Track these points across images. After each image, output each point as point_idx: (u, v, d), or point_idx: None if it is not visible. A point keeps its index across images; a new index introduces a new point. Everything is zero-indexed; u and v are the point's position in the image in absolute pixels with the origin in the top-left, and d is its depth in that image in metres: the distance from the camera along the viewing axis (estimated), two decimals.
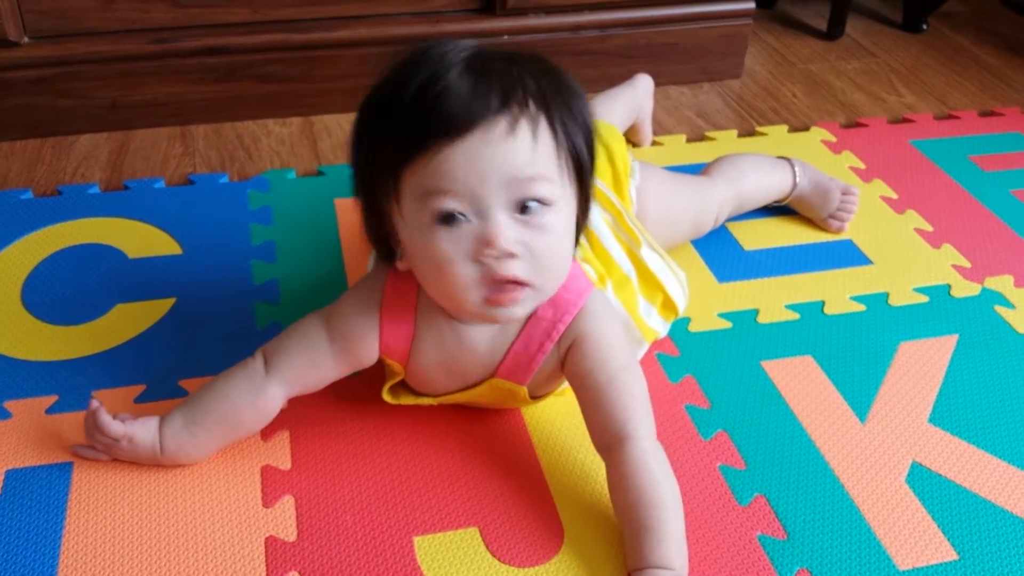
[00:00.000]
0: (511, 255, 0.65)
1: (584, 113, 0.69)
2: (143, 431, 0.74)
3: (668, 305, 0.87)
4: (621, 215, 0.86)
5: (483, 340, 0.74)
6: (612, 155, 0.90)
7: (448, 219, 0.65)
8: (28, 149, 1.20)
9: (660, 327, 0.87)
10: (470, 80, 0.64)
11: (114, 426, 0.74)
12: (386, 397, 0.79)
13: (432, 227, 0.66)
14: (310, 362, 0.75)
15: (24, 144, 1.21)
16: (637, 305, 0.84)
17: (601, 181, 0.87)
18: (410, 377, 0.78)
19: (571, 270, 0.73)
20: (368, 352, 0.75)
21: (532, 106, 0.65)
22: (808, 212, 1.08)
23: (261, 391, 0.74)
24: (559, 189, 0.66)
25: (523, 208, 0.65)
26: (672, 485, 0.70)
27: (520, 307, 0.69)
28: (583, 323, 0.73)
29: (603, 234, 0.84)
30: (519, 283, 0.67)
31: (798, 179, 1.06)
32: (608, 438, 0.71)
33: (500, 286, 0.66)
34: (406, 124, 0.65)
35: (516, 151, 0.64)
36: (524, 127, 0.64)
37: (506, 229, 0.65)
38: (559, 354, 0.74)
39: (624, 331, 0.77)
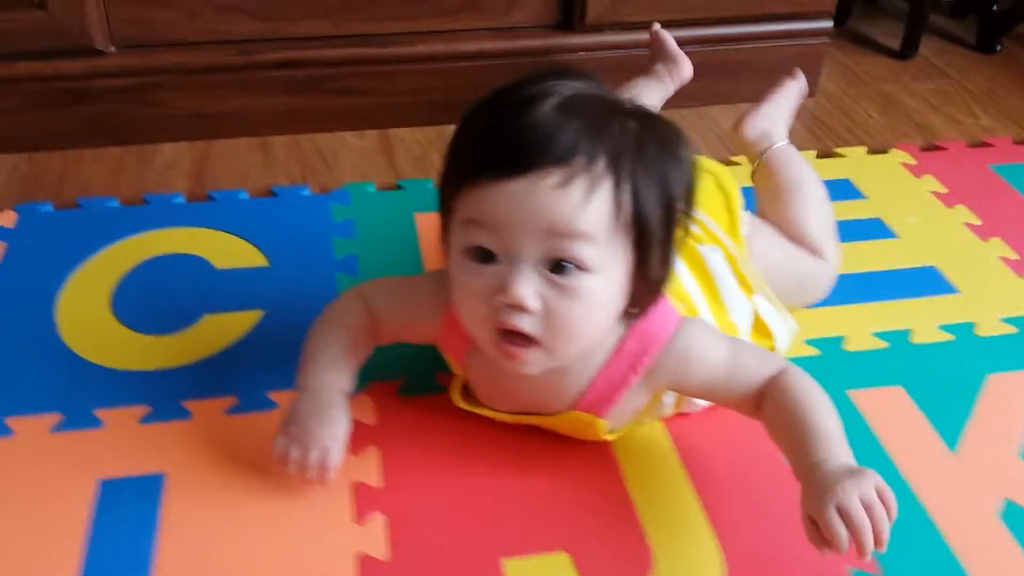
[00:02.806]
0: (523, 309, 0.64)
1: (670, 178, 0.66)
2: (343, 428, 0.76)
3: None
4: (735, 260, 0.85)
5: (541, 372, 0.72)
6: (728, 198, 0.90)
7: (479, 254, 0.65)
8: (111, 157, 1.22)
9: None
10: (548, 122, 0.63)
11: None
12: (455, 399, 0.80)
13: (465, 256, 0.66)
14: (393, 305, 0.80)
15: (106, 151, 1.24)
16: None
17: (716, 224, 0.87)
18: (473, 384, 0.79)
19: (659, 305, 0.72)
20: (428, 338, 0.79)
21: (600, 165, 0.63)
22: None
23: (365, 313, 0.80)
24: (604, 255, 0.64)
25: (557, 266, 0.64)
26: (825, 397, 0.71)
27: (528, 367, 0.68)
28: (676, 351, 0.72)
29: (721, 276, 0.83)
30: (526, 337, 0.66)
31: (785, 142, 1.03)
32: (755, 400, 0.73)
33: (507, 336, 0.66)
34: (474, 151, 0.65)
35: (562, 205, 0.62)
36: (579, 184, 0.62)
37: (525, 282, 0.64)
38: (650, 388, 0.74)
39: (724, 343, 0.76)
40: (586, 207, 0.62)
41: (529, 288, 0.64)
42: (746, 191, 0.94)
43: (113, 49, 1.20)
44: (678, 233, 0.68)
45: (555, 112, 0.63)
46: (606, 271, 0.65)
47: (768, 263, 0.90)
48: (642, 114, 0.67)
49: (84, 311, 0.94)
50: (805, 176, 1.00)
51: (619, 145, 0.64)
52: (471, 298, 0.67)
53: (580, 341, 0.68)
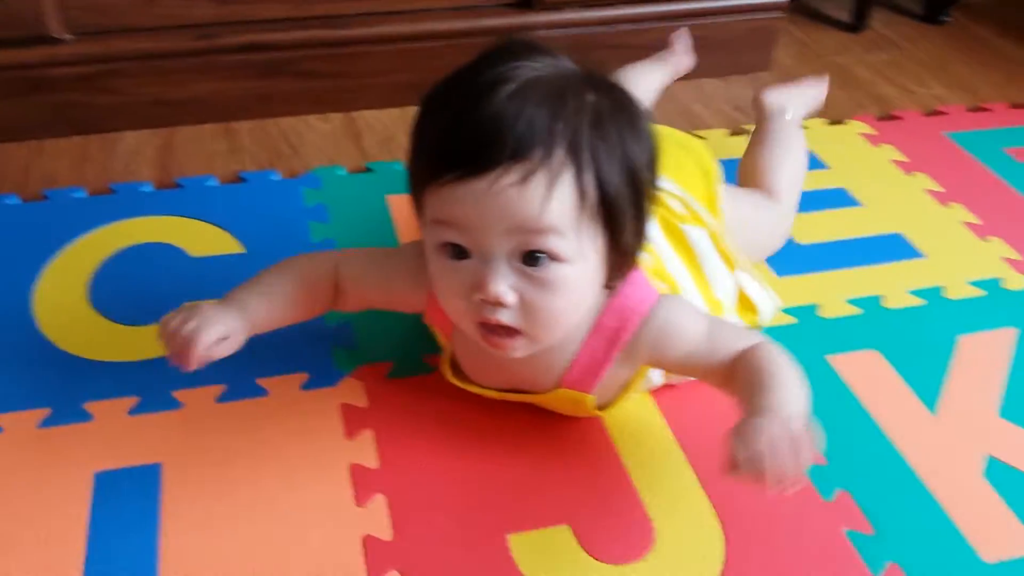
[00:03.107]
0: (501, 304, 0.65)
1: (632, 151, 0.65)
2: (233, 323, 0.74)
3: (754, 325, 0.88)
4: (717, 237, 0.87)
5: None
6: (708, 175, 0.92)
7: (452, 251, 0.66)
8: (74, 146, 1.20)
9: None
10: (503, 116, 0.61)
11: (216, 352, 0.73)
12: (445, 373, 0.81)
13: (439, 253, 0.67)
14: (370, 278, 0.80)
15: (68, 141, 1.21)
16: None
17: (697, 201, 0.88)
18: (460, 359, 0.80)
19: (634, 278, 0.73)
20: (412, 307, 0.80)
21: (559, 155, 0.62)
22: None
23: (324, 267, 0.80)
24: (573, 244, 0.64)
25: (528, 259, 0.64)
26: (794, 367, 0.70)
27: (515, 352, 0.70)
28: (655, 326, 0.73)
29: (705, 254, 0.85)
30: (508, 328, 0.67)
31: (790, 115, 1.09)
32: (730, 373, 0.73)
33: (490, 328, 0.67)
34: (433, 150, 0.65)
35: (525, 203, 0.62)
36: (539, 179, 0.61)
37: (500, 278, 0.64)
38: (631, 363, 0.76)
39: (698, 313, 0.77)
40: (549, 201, 0.62)
41: (503, 284, 0.64)
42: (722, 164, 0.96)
43: (70, 36, 1.17)
44: (647, 202, 0.68)
45: (510, 101, 0.62)
46: (579, 258, 0.65)
47: (739, 223, 0.92)
48: (598, 85, 0.66)
49: (62, 304, 0.92)
50: (795, 134, 1.06)
51: (577, 128, 0.63)
52: (449, 294, 0.68)
53: (561, 327, 0.70)
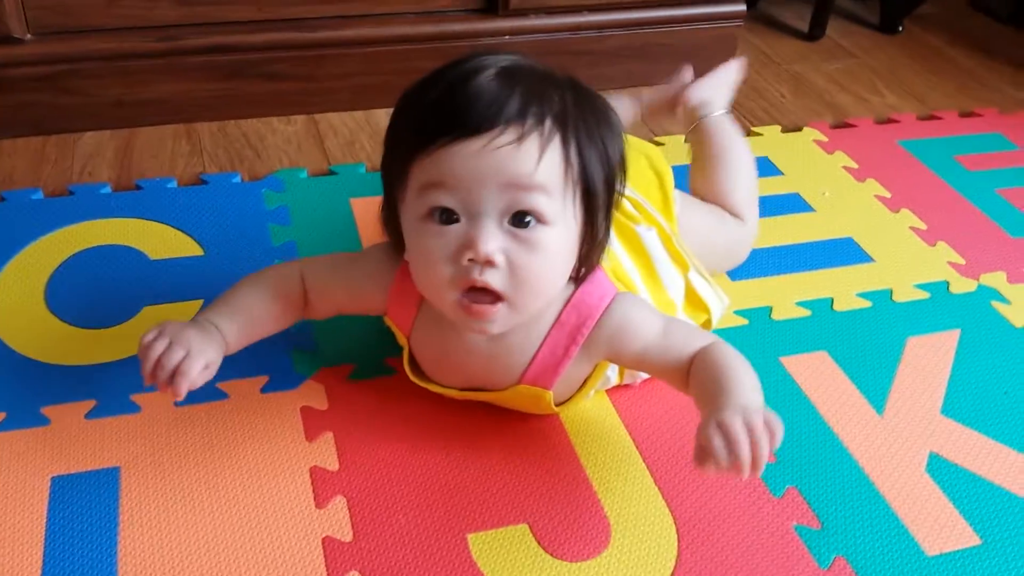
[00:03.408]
0: (490, 263, 0.67)
1: (607, 143, 0.70)
2: (215, 354, 0.74)
3: (706, 325, 0.90)
4: (670, 239, 0.89)
5: (485, 346, 0.75)
6: (661, 178, 0.93)
7: (440, 215, 0.67)
8: (31, 147, 1.19)
9: None
10: (494, 87, 0.66)
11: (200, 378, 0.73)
12: (408, 372, 0.81)
13: (425, 221, 0.68)
14: (336, 284, 0.81)
15: (27, 142, 1.20)
16: None
17: (650, 204, 0.90)
18: (419, 359, 0.81)
19: (594, 276, 0.75)
20: (374, 309, 0.81)
21: (548, 123, 0.66)
22: None
23: (292, 278, 0.81)
24: (559, 208, 0.67)
25: (517, 219, 0.67)
26: (748, 367, 0.73)
27: (493, 325, 0.70)
28: (613, 321, 0.75)
29: (656, 255, 0.86)
30: (493, 293, 0.68)
31: (726, 109, 1.09)
32: (685, 373, 0.75)
33: (474, 294, 0.68)
34: (424, 119, 0.67)
35: (519, 161, 0.65)
36: (533, 140, 0.65)
37: (491, 236, 0.66)
38: (590, 359, 0.77)
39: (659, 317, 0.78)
40: (541, 161, 0.65)
41: (494, 243, 0.66)
42: (677, 170, 0.98)
43: (30, 36, 1.16)
44: (615, 200, 0.72)
45: (498, 79, 0.66)
46: (562, 223, 0.68)
47: (697, 235, 0.94)
48: (575, 85, 0.70)
49: (18, 308, 0.92)
50: (736, 143, 1.05)
51: (562, 107, 0.67)
52: (435, 261, 0.68)
53: (542, 294, 0.71)
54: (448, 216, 0.67)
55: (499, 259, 0.67)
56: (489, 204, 0.66)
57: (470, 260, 0.67)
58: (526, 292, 0.69)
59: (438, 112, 0.66)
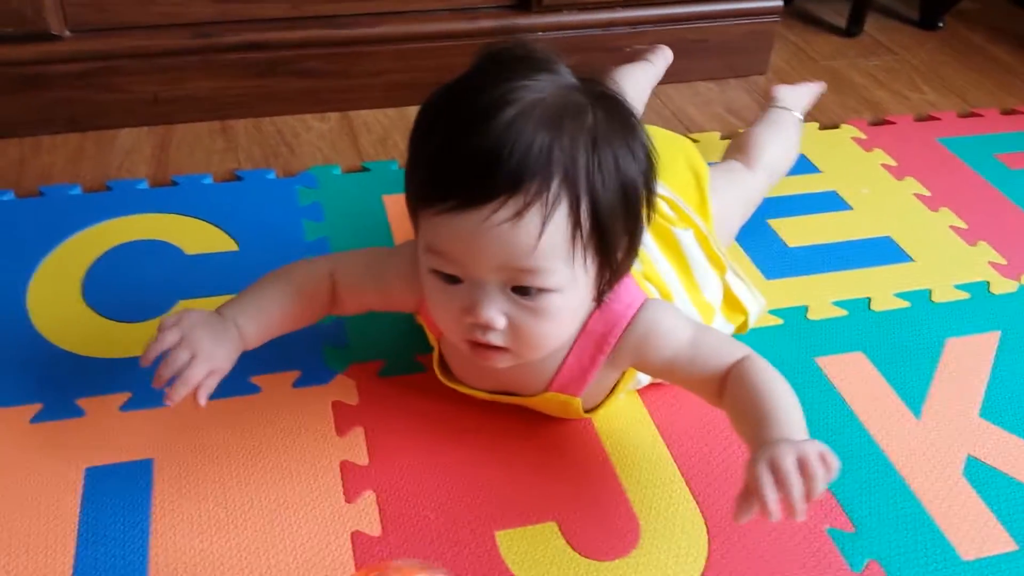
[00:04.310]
0: (492, 328, 0.66)
1: (631, 172, 0.65)
2: (224, 359, 0.74)
3: (743, 327, 0.90)
4: (706, 239, 0.88)
5: None
6: (699, 178, 0.93)
7: (444, 277, 0.67)
8: (70, 143, 1.21)
9: None
10: (499, 143, 0.60)
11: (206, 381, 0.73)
12: (437, 373, 0.81)
13: (432, 276, 0.68)
14: (367, 283, 0.80)
15: (65, 138, 1.21)
16: (712, 325, 0.86)
17: (687, 204, 0.89)
18: (448, 360, 0.81)
19: (624, 284, 0.73)
20: (407, 307, 0.81)
21: (555, 187, 0.61)
22: None
23: (320, 276, 0.80)
24: (566, 275, 0.65)
25: (519, 290, 0.65)
26: (787, 386, 0.70)
27: (501, 364, 0.71)
28: (640, 330, 0.73)
29: (694, 257, 0.86)
30: (497, 347, 0.68)
31: (799, 115, 1.15)
32: (717, 387, 0.73)
33: (479, 347, 0.69)
34: (427, 173, 0.64)
35: (518, 240, 0.62)
36: (534, 214, 0.61)
37: (491, 303, 0.65)
38: (617, 367, 0.76)
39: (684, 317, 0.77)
40: (542, 235, 0.62)
41: (495, 310, 0.65)
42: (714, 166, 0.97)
43: (68, 33, 1.18)
44: (642, 216, 0.68)
45: (506, 130, 0.60)
46: (570, 286, 0.66)
47: (720, 212, 0.94)
48: (596, 98, 0.65)
49: (56, 301, 0.93)
50: (792, 130, 1.12)
51: (573, 157, 0.62)
52: (440, 312, 0.69)
53: (548, 347, 0.71)
54: (451, 278, 0.66)
55: (501, 323, 0.66)
56: (490, 275, 0.65)
57: (472, 323, 0.67)
58: (530, 347, 0.69)
59: (437, 172, 0.63)
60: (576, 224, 0.63)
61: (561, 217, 0.62)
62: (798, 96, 1.19)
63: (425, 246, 0.67)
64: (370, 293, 0.81)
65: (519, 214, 0.61)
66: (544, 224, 0.61)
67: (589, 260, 0.66)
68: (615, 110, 0.66)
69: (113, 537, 0.72)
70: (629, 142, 0.65)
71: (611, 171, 0.64)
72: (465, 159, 0.61)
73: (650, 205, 0.68)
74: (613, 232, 0.65)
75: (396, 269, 0.79)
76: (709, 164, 1.00)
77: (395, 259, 0.80)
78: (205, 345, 0.72)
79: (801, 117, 1.16)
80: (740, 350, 0.74)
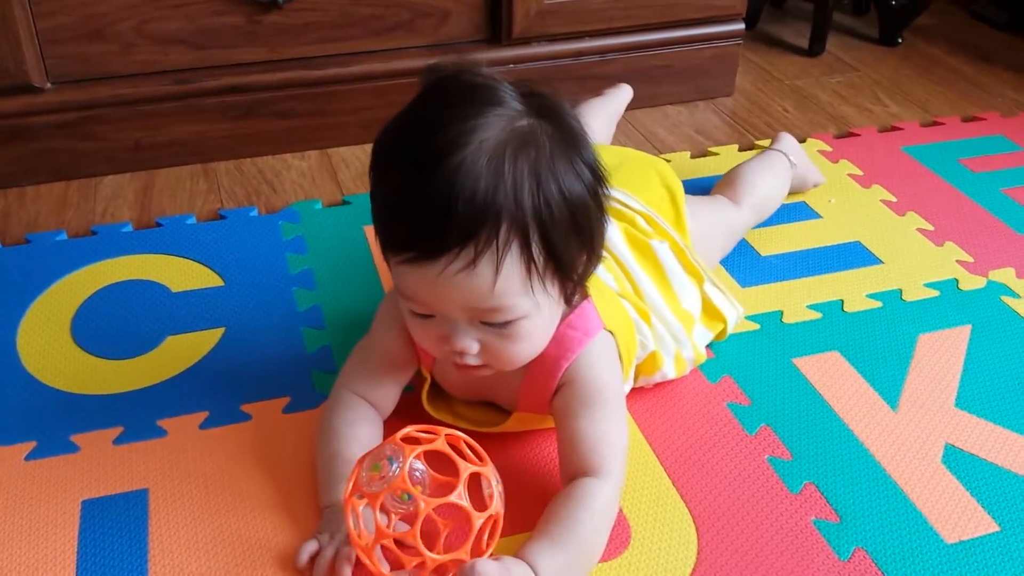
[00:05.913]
0: (467, 353, 0.70)
1: (578, 194, 0.66)
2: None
3: (723, 334, 0.93)
4: (683, 252, 0.91)
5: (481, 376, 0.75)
6: (673, 194, 0.96)
7: (418, 313, 0.70)
8: (54, 192, 1.23)
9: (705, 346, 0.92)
10: (445, 195, 0.62)
11: None
12: (425, 403, 0.83)
13: (407, 310, 0.71)
14: (378, 371, 0.81)
15: (49, 187, 1.24)
16: (692, 333, 0.89)
17: (663, 218, 0.92)
18: (439, 380, 0.83)
19: (583, 309, 0.76)
20: (411, 361, 0.82)
21: (504, 231, 0.63)
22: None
23: (360, 403, 0.81)
24: (529, 304, 0.67)
25: (487, 323, 0.68)
26: (603, 537, 0.72)
27: (485, 373, 0.74)
28: (581, 366, 0.75)
29: (671, 267, 0.89)
30: (478, 366, 0.72)
31: (794, 160, 1.15)
32: (577, 476, 0.73)
33: (460, 366, 0.72)
34: (384, 224, 0.68)
35: (474, 286, 0.65)
36: (486, 263, 0.64)
37: (463, 337, 0.69)
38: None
39: (619, 379, 0.78)
40: (498, 278, 0.65)
41: (468, 340, 0.69)
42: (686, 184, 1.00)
43: (50, 85, 1.20)
44: (599, 225, 0.69)
45: (453, 175, 0.62)
46: (535, 311, 0.69)
47: (700, 232, 0.97)
48: (541, 117, 0.66)
49: (46, 342, 0.95)
50: (782, 172, 1.14)
51: (518, 195, 0.63)
52: (423, 340, 0.73)
53: (527, 359, 0.74)
54: (424, 315, 0.70)
55: (474, 348, 0.70)
56: (457, 314, 0.68)
57: (449, 350, 0.70)
58: (508, 364, 0.73)
59: (394, 223, 0.66)
60: (530, 260, 0.65)
61: (513, 259, 0.65)
62: (799, 151, 1.19)
63: (397, 288, 0.70)
64: (385, 376, 0.81)
65: (472, 263, 0.64)
66: (498, 269, 0.64)
67: (549, 285, 0.68)
68: (559, 124, 0.67)
69: (112, 565, 0.72)
70: (573, 158, 0.66)
71: (558, 201, 0.65)
72: (416, 213, 0.64)
73: (603, 210, 0.69)
74: (568, 255, 0.68)
75: (385, 347, 0.81)
76: (695, 195, 1.04)
77: (380, 339, 0.81)
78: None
79: (795, 164, 1.15)
80: (614, 475, 0.72)
